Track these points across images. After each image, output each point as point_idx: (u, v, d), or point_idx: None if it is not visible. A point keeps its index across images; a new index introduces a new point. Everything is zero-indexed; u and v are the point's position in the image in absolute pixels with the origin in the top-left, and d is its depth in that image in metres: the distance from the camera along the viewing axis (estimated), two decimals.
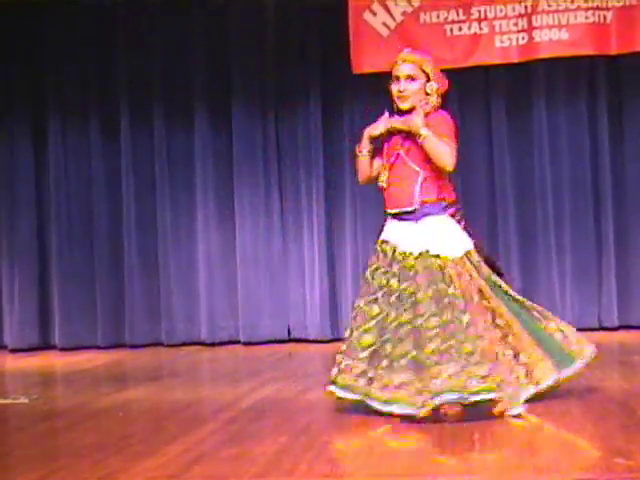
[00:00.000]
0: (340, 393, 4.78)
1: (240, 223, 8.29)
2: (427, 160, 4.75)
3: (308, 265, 8.22)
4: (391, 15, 7.69)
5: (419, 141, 4.70)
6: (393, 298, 4.70)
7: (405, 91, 4.79)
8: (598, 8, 7.47)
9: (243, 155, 8.27)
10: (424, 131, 4.69)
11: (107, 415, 5.19)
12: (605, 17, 7.47)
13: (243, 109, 8.26)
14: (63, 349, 8.40)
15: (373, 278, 4.81)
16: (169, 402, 5.59)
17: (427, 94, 4.81)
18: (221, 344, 8.23)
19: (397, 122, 4.81)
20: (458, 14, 7.62)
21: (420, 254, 4.68)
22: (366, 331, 4.74)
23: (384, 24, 7.68)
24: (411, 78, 4.79)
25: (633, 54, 7.57)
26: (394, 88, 4.82)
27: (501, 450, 4.03)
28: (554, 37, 7.54)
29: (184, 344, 8.29)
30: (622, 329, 7.76)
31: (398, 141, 4.83)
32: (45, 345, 8.54)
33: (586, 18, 7.49)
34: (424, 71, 4.82)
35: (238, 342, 8.23)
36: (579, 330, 7.32)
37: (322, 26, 8.12)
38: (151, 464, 3.91)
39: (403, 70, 4.81)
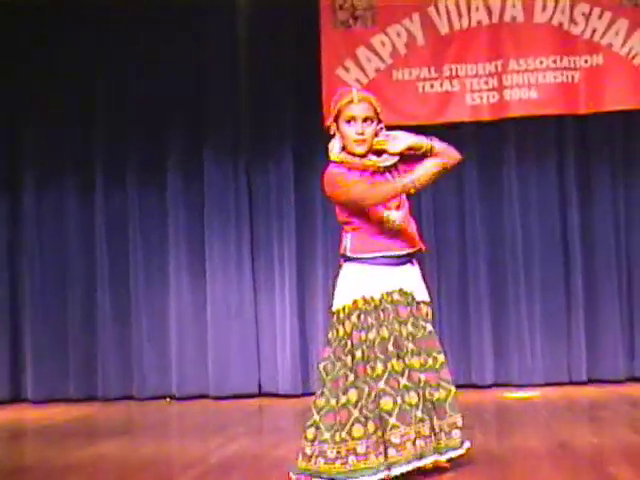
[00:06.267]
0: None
1: (211, 277, 8.25)
2: (408, 197, 4.58)
3: (279, 319, 8.16)
4: (364, 72, 7.75)
5: (428, 150, 4.43)
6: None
7: (364, 134, 4.42)
8: (566, 68, 7.55)
9: (215, 210, 8.25)
10: (426, 140, 4.48)
11: (75, 471, 5.08)
12: (573, 77, 7.55)
13: (215, 163, 8.26)
14: (35, 402, 8.26)
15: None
16: (138, 457, 5.49)
17: (376, 136, 4.49)
18: (191, 398, 8.14)
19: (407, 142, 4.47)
20: (430, 72, 7.69)
21: (425, 302, 4.55)
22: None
23: (357, 80, 7.71)
24: (367, 120, 4.44)
25: (600, 114, 7.63)
26: (349, 129, 4.42)
27: None
28: (524, 96, 7.60)
29: (154, 398, 8.20)
30: (591, 383, 7.77)
31: (389, 178, 4.49)
32: (17, 399, 8.39)
33: (554, 78, 7.57)
34: (376, 112, 4.49)
35: (208, 396, 8.15)
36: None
37: (296, 81, 8.15)
38: None
39: (360, 110, 4.42)
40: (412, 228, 4.55)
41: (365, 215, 4.43)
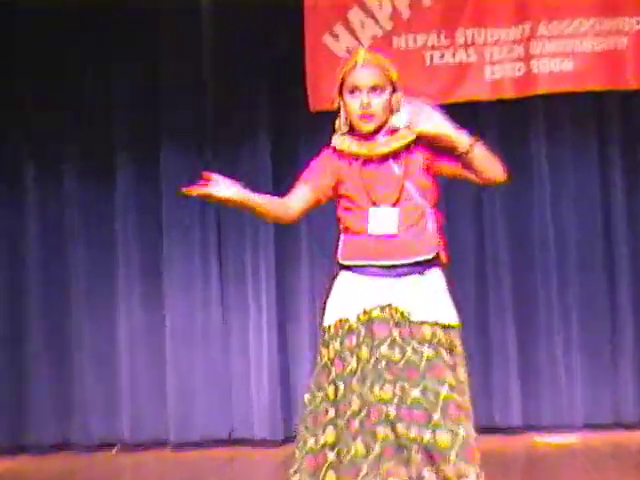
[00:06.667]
0: None
1: (170, 294, 7.50)
2: (428, 189, 3.76)
3: (254, 344, 7.38)
4: (357, 39, 6.98)
5: (463, 152, 3.65)
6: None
7: (370, 106, 3.66)
8: (610, 33, 6.81)
9: (174, 212, 7.50)
10: (467, 138, 3.64)
11: None
12: (620, 44, 6.82)
13: (174, 155, 7.52)
14: None
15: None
16: None
17: (391, 110, 3.73)
18: (146, 446, 7.40)
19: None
20: (440, 38, 6.94)
21: (436, 323, 3.71)
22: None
23: (348, 50, 6.90)
24: (377, 89, 3.69)
25: None
26: (353, 102, 3.69)
27: None
28: (556, 69, 6.88)
29: (100, 446, 7.45)
30: None
31: (391, 166, 3.71)
32: None
33: (594, 45, 6.83)
34: (390, 78, 3.75)
35: (167, 443, 7.42)
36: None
37: (274, 54, 7.39)
38: None
39: (365, 78, 3.68)
40: (419, 231, 3.76)
41: (352, 212, 3.77)
